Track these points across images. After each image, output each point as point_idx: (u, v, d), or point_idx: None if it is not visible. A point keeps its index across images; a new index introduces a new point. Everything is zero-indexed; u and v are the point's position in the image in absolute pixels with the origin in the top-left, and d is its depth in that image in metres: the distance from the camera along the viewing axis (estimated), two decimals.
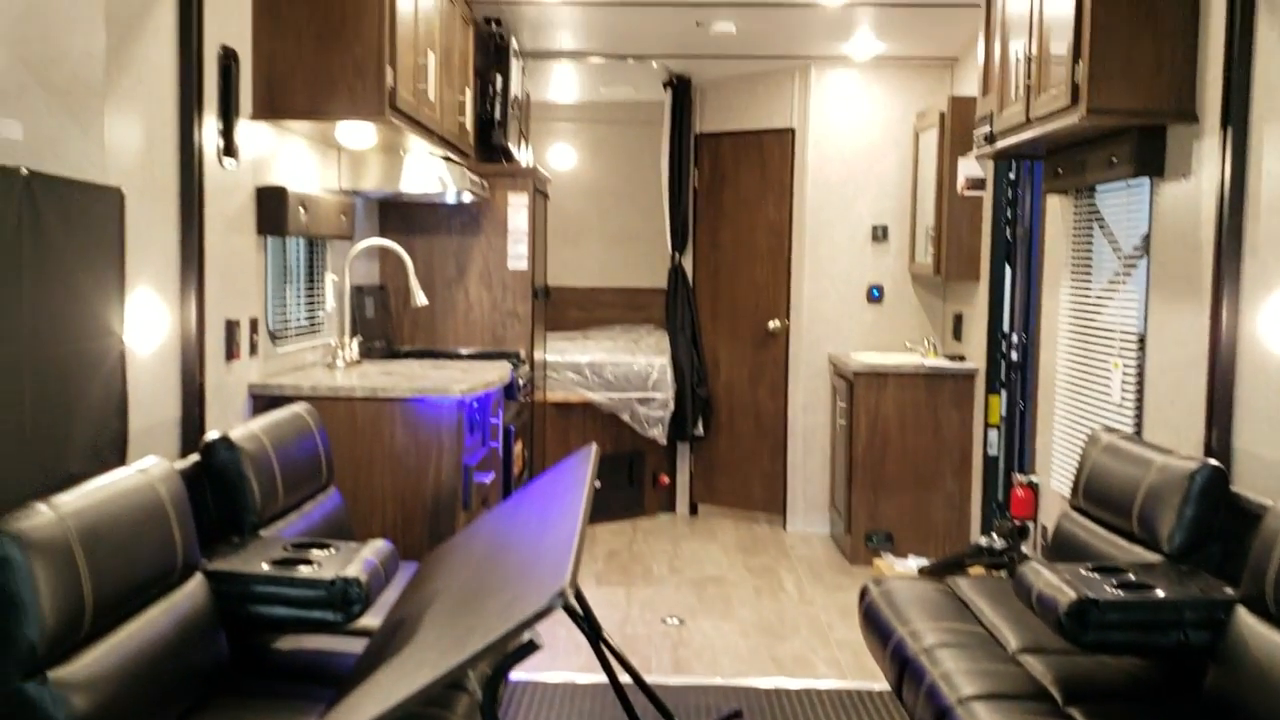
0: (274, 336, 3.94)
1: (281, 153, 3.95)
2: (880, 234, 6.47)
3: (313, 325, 4.42)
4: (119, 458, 2.74)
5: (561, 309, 8.25)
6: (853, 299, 6.51)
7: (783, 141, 6.62)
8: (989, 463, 5.72)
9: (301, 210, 3.86)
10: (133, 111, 2.81)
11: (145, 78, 2.88)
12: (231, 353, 3.49)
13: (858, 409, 5.91)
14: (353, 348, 4.37)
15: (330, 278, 4.39)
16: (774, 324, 6.69)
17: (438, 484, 3.74)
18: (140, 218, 2.86)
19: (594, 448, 3.13)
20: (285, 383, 3.74)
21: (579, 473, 3.07)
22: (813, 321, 6.54)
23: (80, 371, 2.55)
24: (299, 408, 3.24)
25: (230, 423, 3.46)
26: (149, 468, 2.33)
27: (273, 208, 3.72)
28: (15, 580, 1.86)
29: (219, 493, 2.73)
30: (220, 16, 3.35)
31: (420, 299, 4.39)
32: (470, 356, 5.25)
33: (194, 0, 3.07)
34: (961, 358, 5.98)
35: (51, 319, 2.41)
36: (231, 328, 3.48)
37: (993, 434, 5.71)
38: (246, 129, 3.60)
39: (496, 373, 4.17)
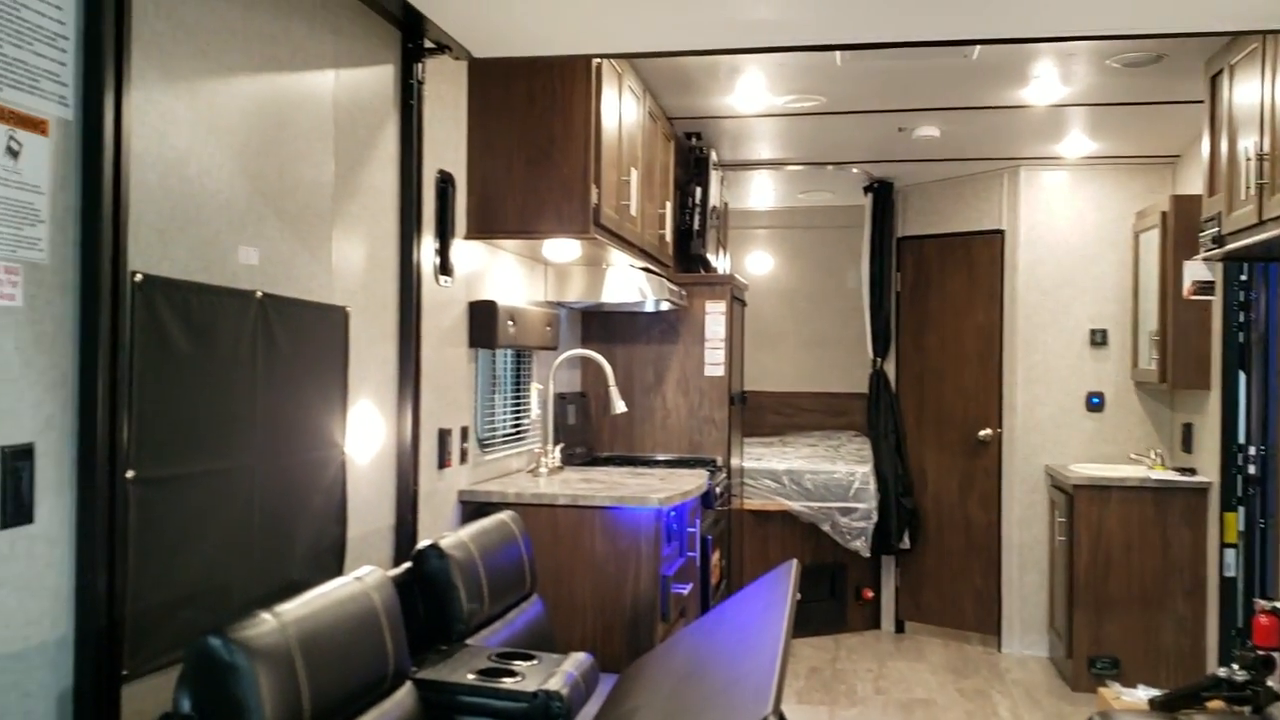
0: (482, 444, 4.05)
1: (492, 268, 4.10)
2: (1099, 339, 6.18)
3: (518, 432, 4.53)
4: (337, 564, 2.85)
5: (759, 414, 8.22)
6: (1071, 407, 6.21)
7: (991, 244, 6.45)
8: (1226, 585, 5.29)
9: (510, 323, 3.98)
10: (357, 234, 2.98)
11: (369, 203, 3.06)
12: (444, 461, 3.60)
13: (1078, 524, 5.58)
14: (555, 454, 4.44)
15: (535, 386, 4.50)
16: (985, 433, 6.44)
17: (636, 594, 3.73)
18: (362, 334, 3.01)
19: (795, 564, 3.05)
20: (492, 489, 3.82)
21: (780, 589, 2.99)
22: (1027, 430, 6.26)
23: (305, 481, 2.68)
24: (505, 515, 3.30)
25: (441, 529, 3.57)
26: (365, 576, 2.40)
27: (483, 322, 3.86)
28: (241, 687, 1.93)
29: (429, 600, 2.79)
30: (438, 144, 3.54)
31: (619, 407, 4.44)
32: (667, 463, 5.26)
33: (414, 130, 3.26)
34: (1192, 471, 5.60)
35: (281, 431, 2.55)
36: (444, 437, 3.60)
37: (1230, 554, 5.28)
38: (460, 248, 3.76)
39: (693, 481, 4.15)
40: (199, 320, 2.23)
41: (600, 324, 5.55)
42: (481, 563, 2.91)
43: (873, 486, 6.44)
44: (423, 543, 2.85)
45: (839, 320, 8.01)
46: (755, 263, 8.46)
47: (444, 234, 3.59)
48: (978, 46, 4.13)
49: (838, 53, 4.23)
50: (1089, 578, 5.57)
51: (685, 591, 4.01)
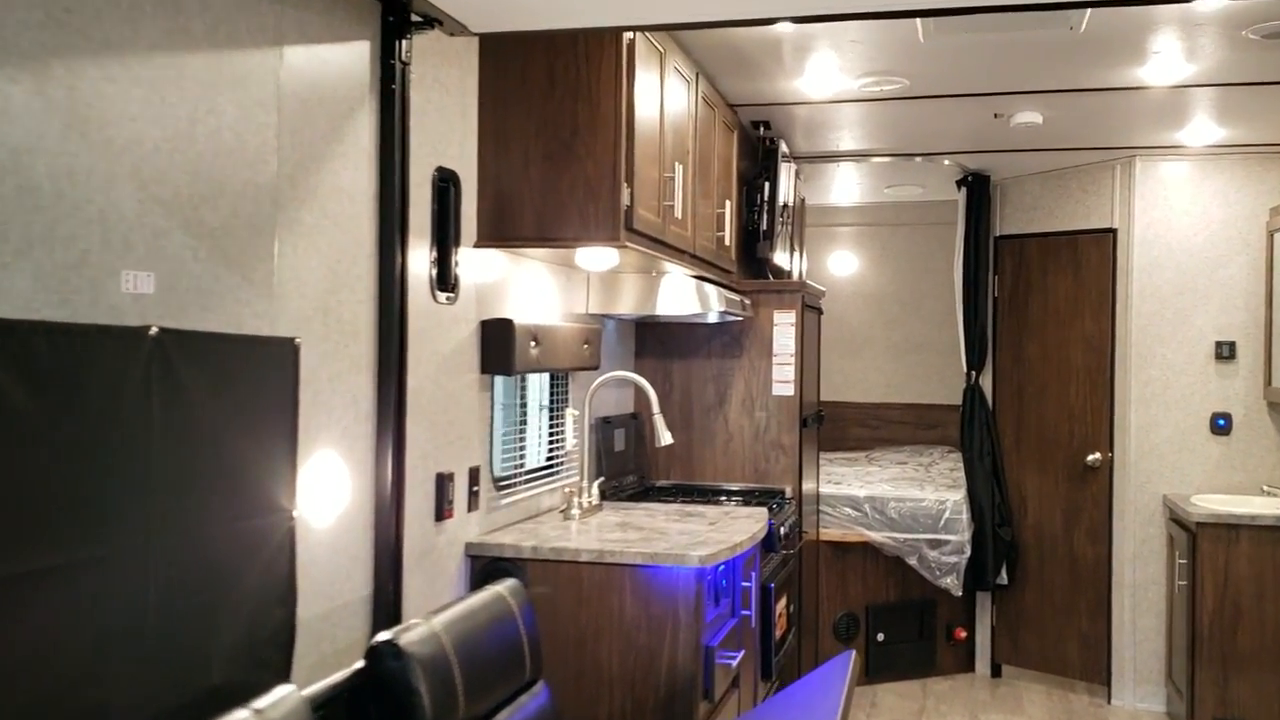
0: (500, 484, 3.51)
1: (514, 280, 3.56)
2: (1226, 352, 5.40)
3: (552, 466, 3.98)
4: (283, 656, 2.32)
5: (843, 427, 7.59)
6: (1193, 429, 5.44)
7: (1101, 244, 5.70)
8: None
9: (533, 344, 3.44)
10: (314, 247, 2.46)
11: (333, 208, 2.53)
12: (443, 511, 3.07)
13: (1202, 566, 4.84)
14: (592, 491, 3.89)
15: (570, 413, 3.94)
16: (1093, 457, 5.70)
17: (673, 667, 3.15)
18: (322, 368, 2.49)
19: (853, 656, 2.45)
20: (505, 542, 3.28)
21: (835, 686, 2.40)
22: (1142, 455, 5.51)
23: (231, 557, 2.16)
24: (501, 588, 2.75)
25: (440, 593, 3.04)
26: (267, 709, 1.86)
27: (498, 343, 3.32)
28: None
29: (384, 712, 2.25)
30: (436, 136, 3.00)
31: (665, 438, 3.86)
32: (729, 494, 4.67)
33: (397, 120, 2.72)
34: None
35: (191, 500, 2.03)
36: (443, 483, 3.06)
37: None
38: (470, 257, 3.22)
39: (749, 529, 3.55)
40: (51, 370, 1.71)
41: (655, 337, 4.98)
42: (457, 657, 2.36)
43: (965, 516, 5.75)
44: (381, 636, 2.31)
45: (931, 325, 7.35)
46: (838, 263, 7.83)
47: (444, 242, 3.05)
48: (1086, 13, 3.45)
49: (919, 23, 3.59)
50: (1214, 628, 4.83)
51: (734, 661, 3.41)
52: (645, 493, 4.64)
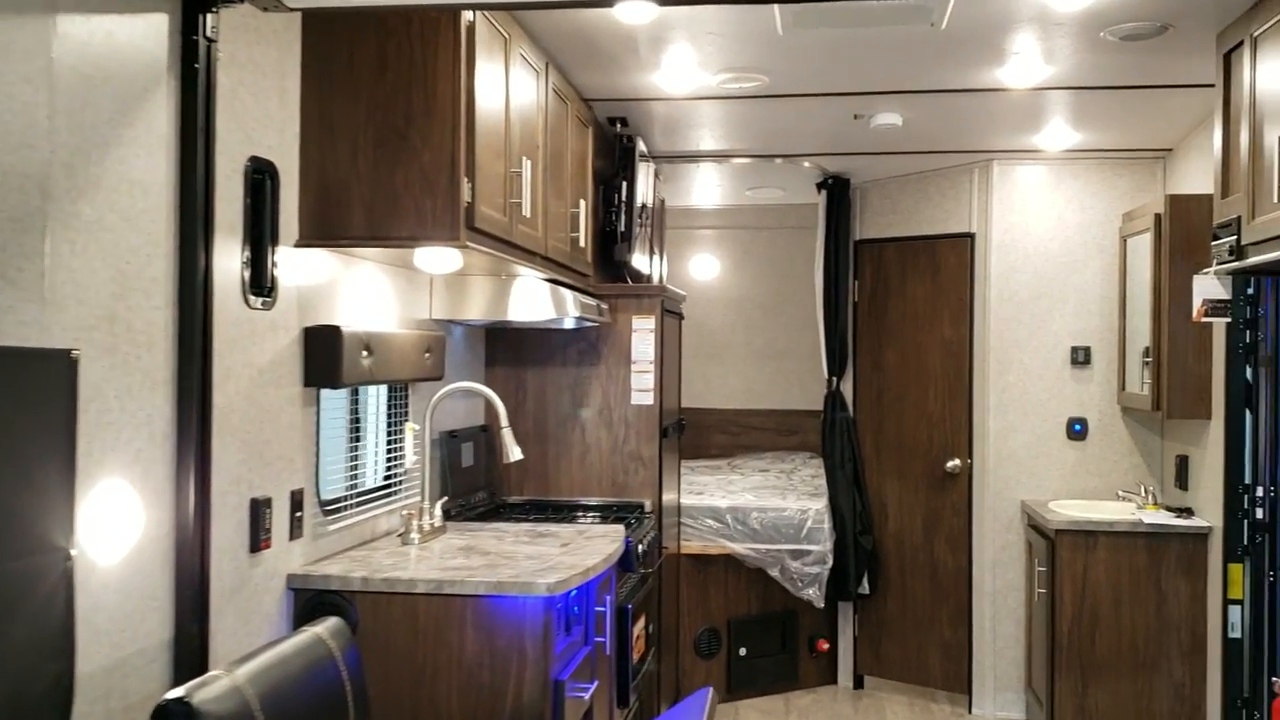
0: (329, 508, 3.20)
1: (348, 283, 3.26)
2: (1082, 357, 5.42)
3: (391, 486, 3.68)
4: (59, 716, 2.00)
5: (705, 434, 7.46)
6: (1050, 435, 5.45)
7: (959, 249, 5.67)
8: (1231, 648, 4.54)
9: (364, 353, 3.14)
10: (98, 247, 2.13)
11: (122, 202, 2.21)
12: (259, 542, 2.75)
13: (1060, 574, 4.82)
14: (435, 512, 3.61)
15: (410, 428, 3.65)
16: (952, 463, 5.66)
17: (518, 707, 2.89)
18: (109, 384, 2.16)
19: (710, 694, 2.24)
20: (332, 572, 2.97)
21: None
22: (1000, 461, 5.49)
23: None
24: (321, 629, 2.45)
25: (257, 634, 2.73)
26: None
27: (324, 353, 3.01)
28: None
29: None
30: (251, 123, 2.69)
31: (513, 454, 3.60)
32: (586, 510, 4.45)
33: (201, 103, 2.40)
34: (1189, 512, 4.86)
35: None
36: (259, 509, 2.74)
37: (1235, 611, 4.53)
38: (292, 258, 2.91)
39: (604, 551, 3.33)
40: None
41: (507, 344, 4.71)
42: (264, 713, 2.06)
43: (827, 525, 5.64)
44: (171, 694, 2.00)
45: (793, 331, 7.27)
46: (699, 267, 7.69)
47: (259, 241, 2.74)
48: (949, 8, 3.34)
49: (777, 14, 3.42)
50: (1073, 636, 4.81)
51: (587, 694, 3.17)
52: (496, 511, 4.38)
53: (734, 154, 5.56)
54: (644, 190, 5.11)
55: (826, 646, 5.92)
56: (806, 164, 5.73)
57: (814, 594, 5.56)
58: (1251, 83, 3.30)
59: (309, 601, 2.94)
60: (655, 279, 5.87)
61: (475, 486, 4.33)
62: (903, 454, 5.91)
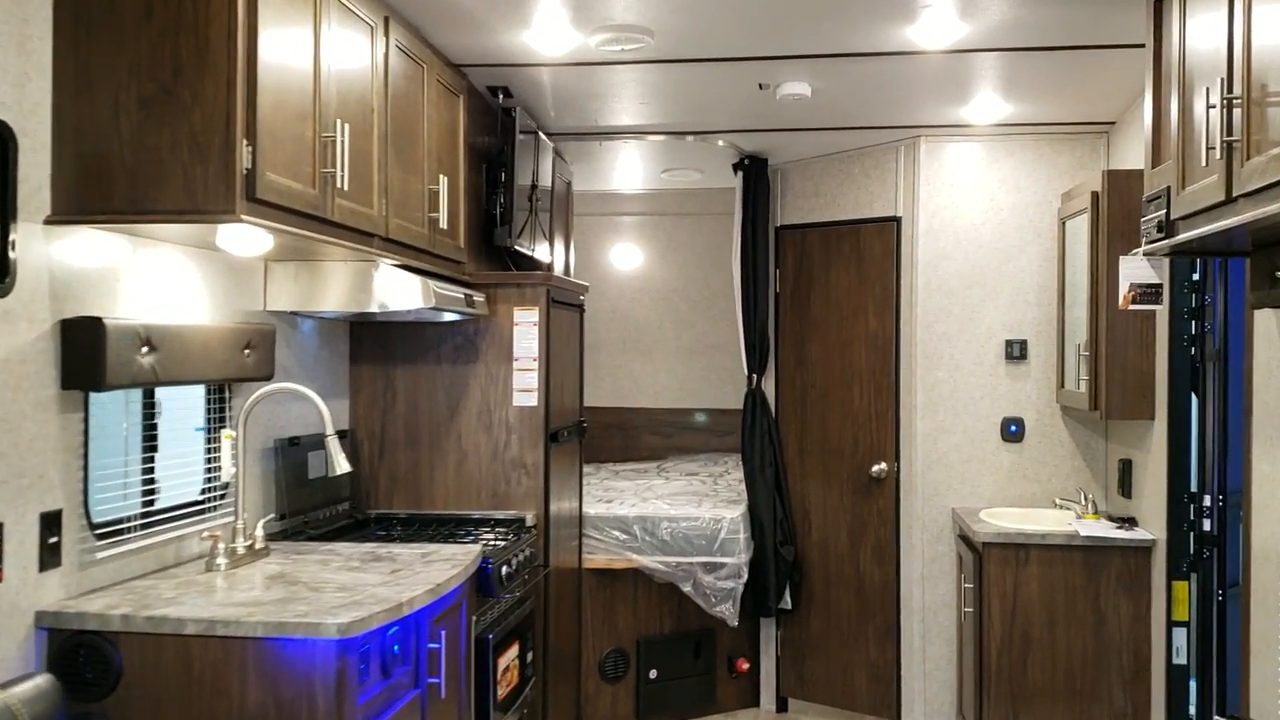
0: (105, 532, 2.72)
1: (138, 270, 2.78)
2: (1017, 352, 4.98)
3: (207, 502, 3.20)
4: None
5: (635, 435, 7.03)
6: (982, 437, 5.00)
7: (885, 234, 5.22)
8: (1175, 674, 4.11)
9: (144, 350, 2.66)
10: None
11: None
12: None
13: (989, 591, 4.38)
14: (256, 532, 3.13)
15: (226, 435, 3.16)
16: (879, 467, 5.21)
17: None
18: None
19: None
20: (90, 610, 2.49)
21: None
22: (929, 465, 5.05)
23: None
24: (14, 695, 1.97)
25: None
26: None
27: (84, 350, 2.53)
28: None
29: None
30: None
31: (340, 466, 3.13)
32: (461, 524, 3.99)
33: None
34: (1131, 522, 4.43)
35: None
36: None
37: (1179, 634, 4.11)
38: (41, 238, 2.43)
39: (436, 579, 2.86)
40: None
41: (375, 340, 4.23)
42: None
43: (744, 535, 5.19)
44: None
45: (724, 325, 6.82)
46: (622, 257, 7.24)
47: None
48: None
49: None
50: (1003, 659, 4.38)
51: None
52: (355, 526, 3.90)
53: (640, 130, 5.09)
54: (536, 169, 4.63)
55: (747, 666, 5.46)
56: (721, 142, 5.27)
57: (728, 611, 5.10)
58: (1181, 36, 2.85)
59: (64, 644, 2.47)
60: (558, 269, 5.40)
61: (329, 499, 3.86)
62: (827, 457, 5.46)
